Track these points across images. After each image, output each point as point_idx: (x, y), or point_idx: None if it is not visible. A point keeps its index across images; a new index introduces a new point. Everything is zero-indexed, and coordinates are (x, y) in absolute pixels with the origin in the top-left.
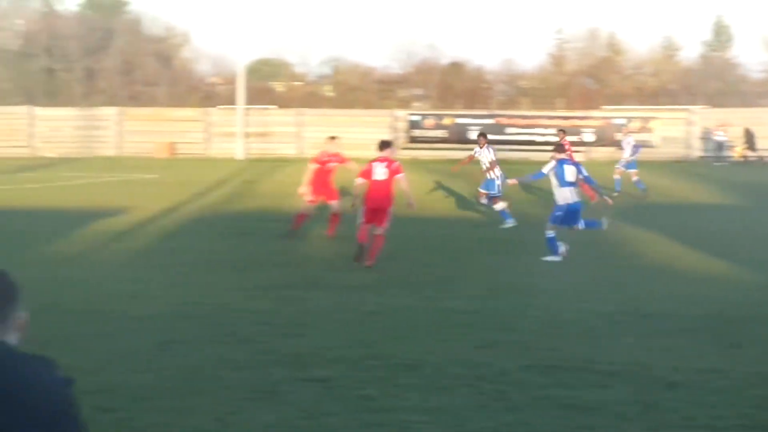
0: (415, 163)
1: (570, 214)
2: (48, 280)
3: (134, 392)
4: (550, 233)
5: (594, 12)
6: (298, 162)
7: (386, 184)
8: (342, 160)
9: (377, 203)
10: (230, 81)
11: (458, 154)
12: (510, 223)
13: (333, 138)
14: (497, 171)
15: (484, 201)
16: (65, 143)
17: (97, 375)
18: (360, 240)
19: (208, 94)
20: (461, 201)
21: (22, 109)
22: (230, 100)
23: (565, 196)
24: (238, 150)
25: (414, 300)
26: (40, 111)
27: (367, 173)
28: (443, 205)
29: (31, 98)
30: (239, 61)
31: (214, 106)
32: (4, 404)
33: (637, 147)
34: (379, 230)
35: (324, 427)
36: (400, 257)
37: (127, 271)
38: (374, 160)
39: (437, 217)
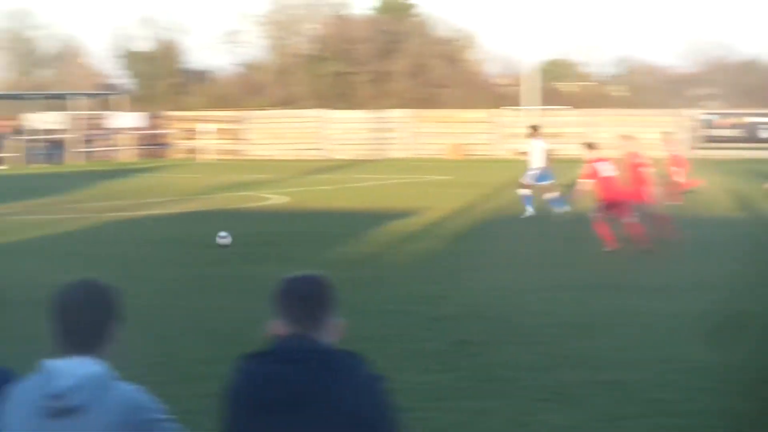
0: (709, 163)
1: None
2: (342, 281)
3: (431, 392)
4: None
5: None
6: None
7: (616, 179)
8: (646, 164)
9: (614, 197)
10: (518, 82)
11: (752, 154)
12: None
13: (627, 137)
14: None
15: None
16: (356, 145)
17: (395, 374)
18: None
19: (497, 96)
20: (746, 201)
21: (315, 113)
22: (518, 101)
23: None
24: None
25: (706, 303)
26: (331, 114)
27: (592, 175)
28: (729, 206)
29: (323, 102)
30: (528, 62)
31: (502, 107)
32: (326, 400)
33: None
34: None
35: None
36: (689, 260)
37: (420, 271)
38: (594, 161)
39: (725, 218)
